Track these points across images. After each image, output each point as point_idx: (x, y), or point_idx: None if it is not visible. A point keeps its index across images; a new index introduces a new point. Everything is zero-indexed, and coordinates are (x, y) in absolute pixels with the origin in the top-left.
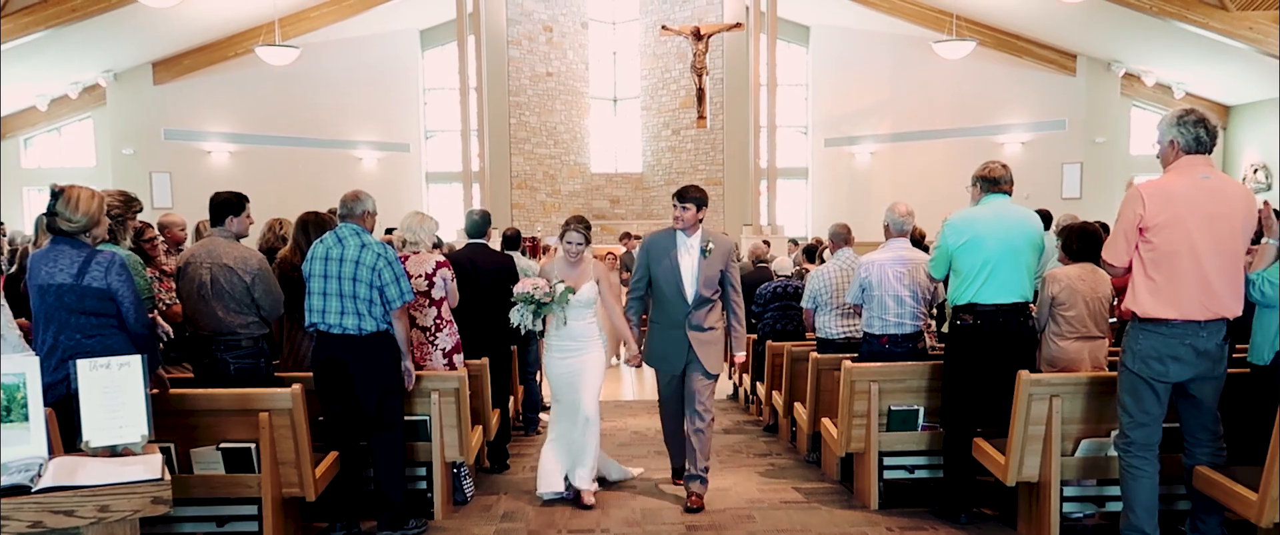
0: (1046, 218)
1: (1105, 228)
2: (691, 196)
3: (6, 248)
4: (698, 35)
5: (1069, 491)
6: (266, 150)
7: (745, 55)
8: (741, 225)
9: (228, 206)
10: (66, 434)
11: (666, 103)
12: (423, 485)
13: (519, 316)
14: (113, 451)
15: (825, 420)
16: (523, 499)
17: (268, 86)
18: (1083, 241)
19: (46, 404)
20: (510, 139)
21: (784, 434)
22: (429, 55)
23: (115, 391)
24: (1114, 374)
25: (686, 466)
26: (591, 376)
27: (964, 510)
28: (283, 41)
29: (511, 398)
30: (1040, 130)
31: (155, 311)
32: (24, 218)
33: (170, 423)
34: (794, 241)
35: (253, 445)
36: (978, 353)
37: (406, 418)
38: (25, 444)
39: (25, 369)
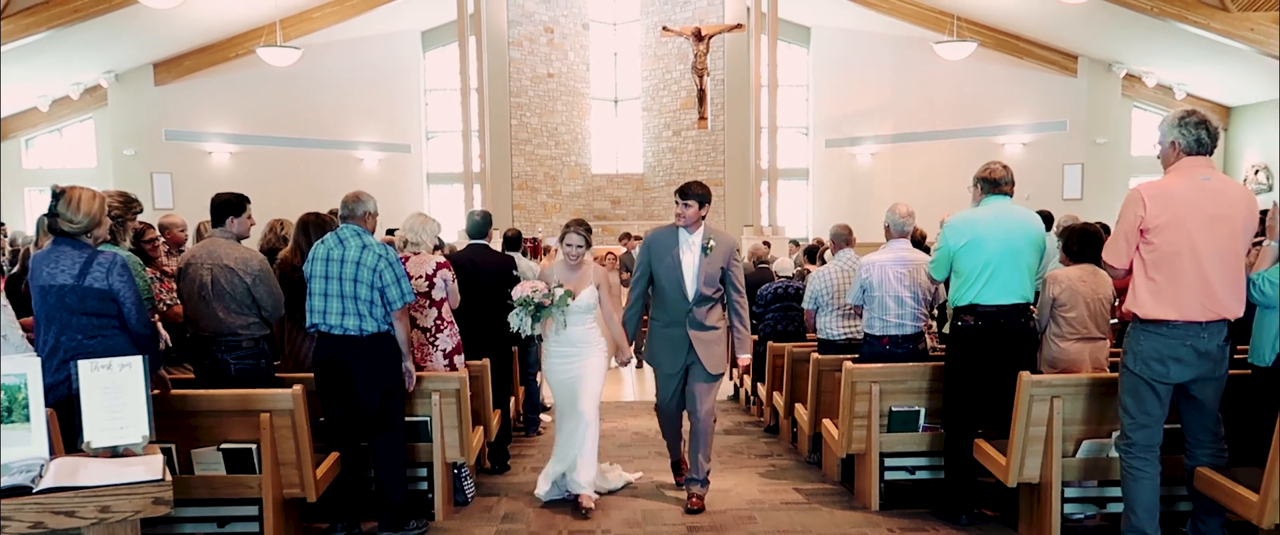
0: (1047, 219)
1: (1106, 229)
2: (694, 193)
3: (8, 248)
4: (699, 36)
5: (1070, 492)
6: (267, 151)
7: (746, 56)
8: (742, 226)
9: (228, 207)
10: (68, 435)
11: (667, 104)
12: (423, 486)
13: (518, 321)
14: (114, 452)
15: (826, 421)
16: (523, 500)
17: (269, 87)
18: (1083, 243)
19: (48, 405)
20: (511, 140)
21: (785, 435)
22: (430, 56)
23: (116, 392)
24: (1115, 375)
25: (687, 469)
26: (591, 381)
27: (965, 511)
28: (284, 42)
29: (512, 398)
30: (1041, 131)
31: (156, 315)
32: (25, 218)
33: (171, 423)
34: (795, 242)
35: (254, 446)
36: (979, 354)
37: (407, 418)
38: (26, 445)
39: (26, 370)
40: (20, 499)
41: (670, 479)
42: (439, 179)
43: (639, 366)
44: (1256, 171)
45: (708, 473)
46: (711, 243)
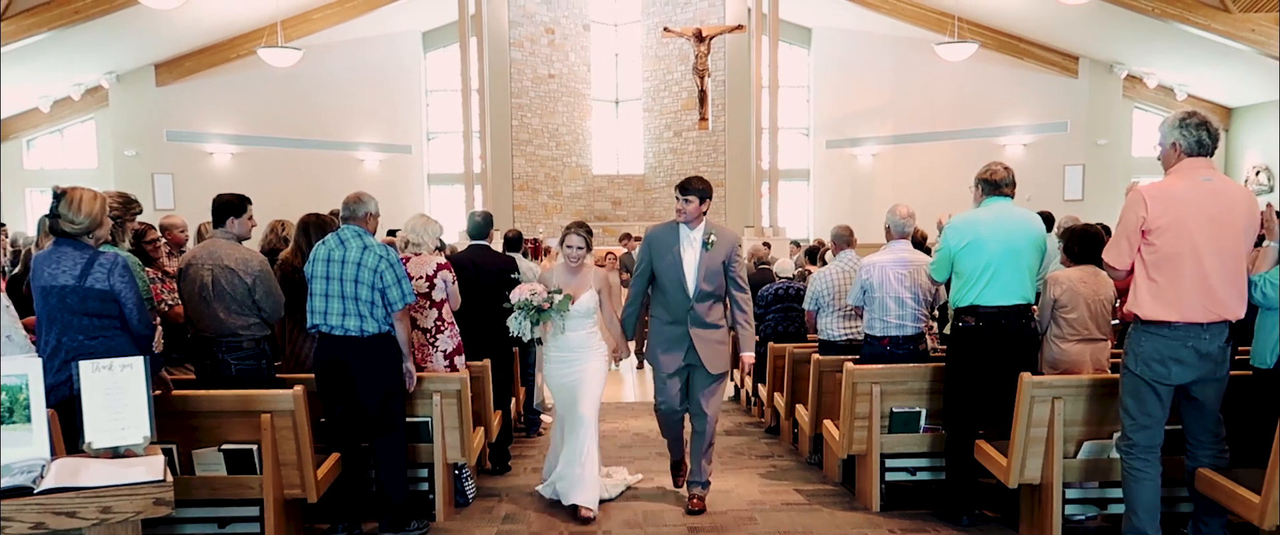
0: (1048, 220)
1: (1107, 230)
2: (695, 188)
3: (9, 249)
4: (700, 37)
5: (1071, 493)
6: (269, 152)
7: (747, 57)
8: (743, 227)
9: (229, 208)
10: (69, 435)
11: (668, 104)
12: (424, 487)
13: (517, 325)
14: (115, 453)
15: (827, 422)
16: (524, 500)
17: (270, 88)
18: (1084, 244)
19: (49, 405)
20: (512, 141)
21: (785, 436)
22: (431, 57)
23: (118, 393)
24: (1116, 376)
25: (687, 471)
26: (591, 385)
27: (966, 512)
28: (285, 43)
29: (514, 399)
30: (1042, 132)
31: (157, 318)
32: (26, 219)
33: (172, 424)
34: (796, 243)
35: (254, 447)
36: (979, 355)
37: (408, 419)
38: (27, 445)
39: (28, 370)
40: (21, 499)
41: (670, 476)
42: (440, 180)
43: (639, 367)
44: (1258, 172)
45: (709, 474)
46: (713, 238)
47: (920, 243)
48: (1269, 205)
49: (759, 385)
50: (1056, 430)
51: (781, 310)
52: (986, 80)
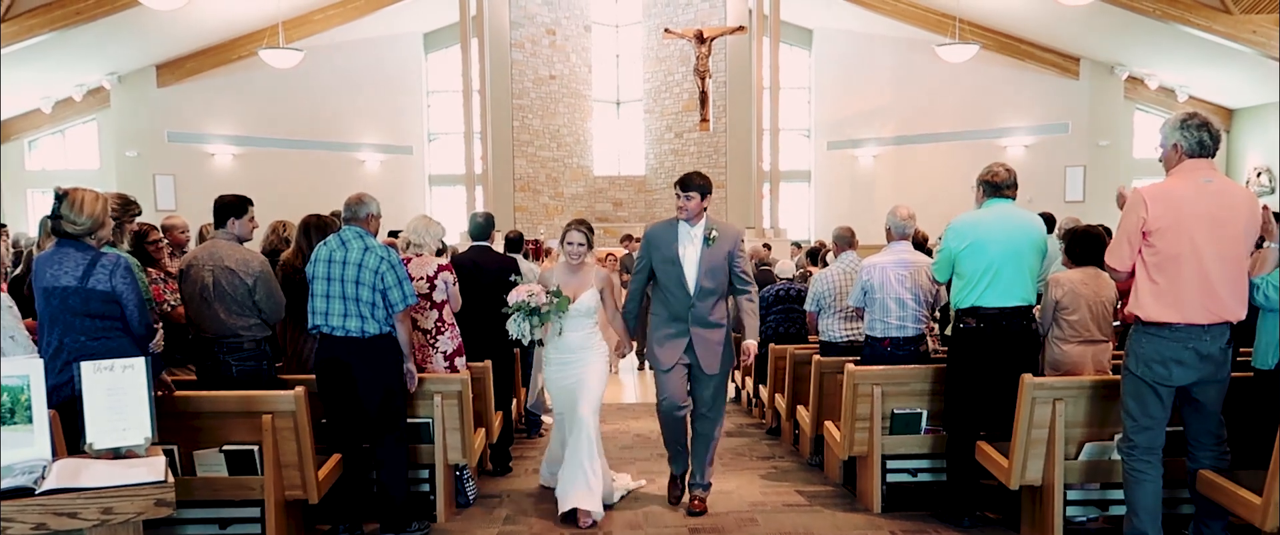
0: (1050, 221)
1: (1108, 231)
2: (695, 185)
3: (11, 249)
4: (701, 38)
5: (1072, 495)
6: (270, 153)
7: (748, 58)
8: (744, 228)
9: (230, 209)
10: (70, 436)
11: (669, 106)
12: (425, 488)
13: (516, 327)
14: (116, 453)
15: (828, 423)
16: (525, 501)
17: (271, 89)
18: (1086, 245)
19: (51, 406)
20: (513, 142)
21: (786, 437)
22: (432, 58)
23: (119, 394)
24: (1117, 378)
25: (690, 471)
26: (592, 387)
27: (967, 514)
28: (286, 44)
29: (515, 400)
30: (1043, 133)
31: (158, 320)
32: (28, 220)
33: (173, 425)
34: (797, 244)
35: (256, 447)
36: (981, 356)
37: (409, 420)
38: (29, 446)
39: (29, 371)
40: (23, 500)
41: (668, 495)
42: (441, 181)
43: (640, 367)
44: (1259, 174)
45: (710, 475)
46: (714, 234)
47: (921, 244)
48: (1265, 206)
49: (760, 386)
50: (1058, 432)
51: (782, 311)
52: (987, 81)
